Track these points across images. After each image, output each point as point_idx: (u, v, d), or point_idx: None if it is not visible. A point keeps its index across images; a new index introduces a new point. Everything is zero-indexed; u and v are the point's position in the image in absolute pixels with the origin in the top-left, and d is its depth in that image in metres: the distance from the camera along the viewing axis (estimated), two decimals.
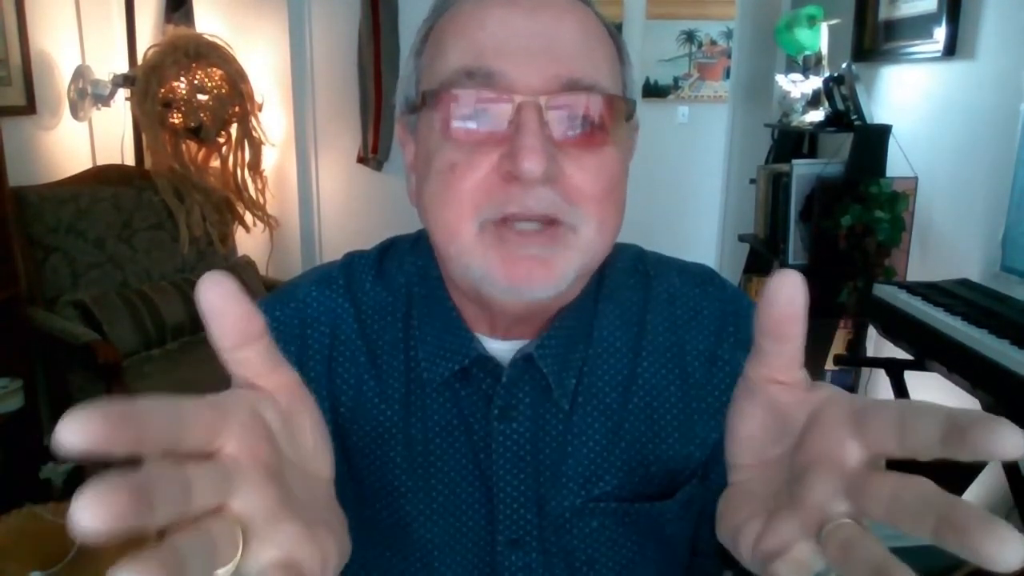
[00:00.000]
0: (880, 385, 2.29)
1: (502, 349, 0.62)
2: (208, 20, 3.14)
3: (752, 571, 0.35)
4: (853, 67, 2.32)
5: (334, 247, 3.48)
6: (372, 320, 0.64)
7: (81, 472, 2.24)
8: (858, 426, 0.30)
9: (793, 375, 0.34)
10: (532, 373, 0.61)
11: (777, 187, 2.54)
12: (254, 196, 3.19)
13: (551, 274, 0.53)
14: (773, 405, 0.35)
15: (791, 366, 0.34)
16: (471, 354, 0.60)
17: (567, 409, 0.62)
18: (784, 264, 2.51)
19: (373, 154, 3.32)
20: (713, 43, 3.58)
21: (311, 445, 0.35)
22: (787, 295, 0.33)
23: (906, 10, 2.23)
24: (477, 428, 0.62)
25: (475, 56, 0.52)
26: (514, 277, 0.52)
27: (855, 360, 2.36)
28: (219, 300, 0.30)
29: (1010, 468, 1.68)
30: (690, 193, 3.68)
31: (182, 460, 0.27)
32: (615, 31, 0.60)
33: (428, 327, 0.62)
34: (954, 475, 1.85)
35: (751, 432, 0.36)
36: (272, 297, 0.67)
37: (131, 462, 0.25)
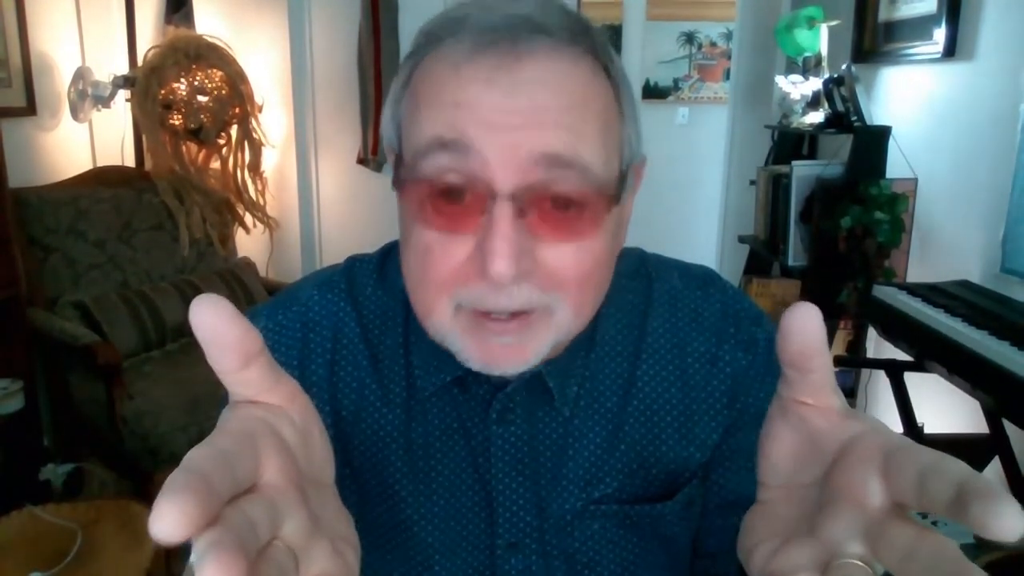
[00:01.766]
0: (880, 386, 2.29)
1: None
2: (208, 21, 3.14)
3: None
4: (853, 68, 2.32)
5: (334, 248, 3.48)
6: (374, 324, 0.64)
7: (80, 474, 2.24)
8: (886, 469, 0.29)
9: (824, 400, 0.34)
10: (533, 382, 0.61)
11: (777, 188, 2.54)
12: (254, 197, 3.19)
13: (523, 355, 0.53)
14: (805, 429, 0.34)
15: (821, 392, 0.34)
16: (464, 368, 0.60)
17: (567, 414, 0.62)
18: (784, 265, 2.51)
19: (373, 155, 3.32)
20: (713, 44, 3.58)
21: (320, 454, 0.35)
22: (801, 330, 0.32)
23: (906, 11, 2.23)
24: (475, 432, 0.62)
25: (448, 128, 0.49)
26: (487, 360, 0.53)
27: (855, 361, 2.36)
28: (216, 324, 0.29)
29: (1010, 469, 1.68)
30: (690, 194, 3.68)
31: (237, 500, 0.28)
32: (619, 78, 0.54)
33: (424, 336, 0.62)
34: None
35: (781, 454, 0.36)
36: (274, 301, 0.67)
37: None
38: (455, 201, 0.50)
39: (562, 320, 0.53)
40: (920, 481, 0.28)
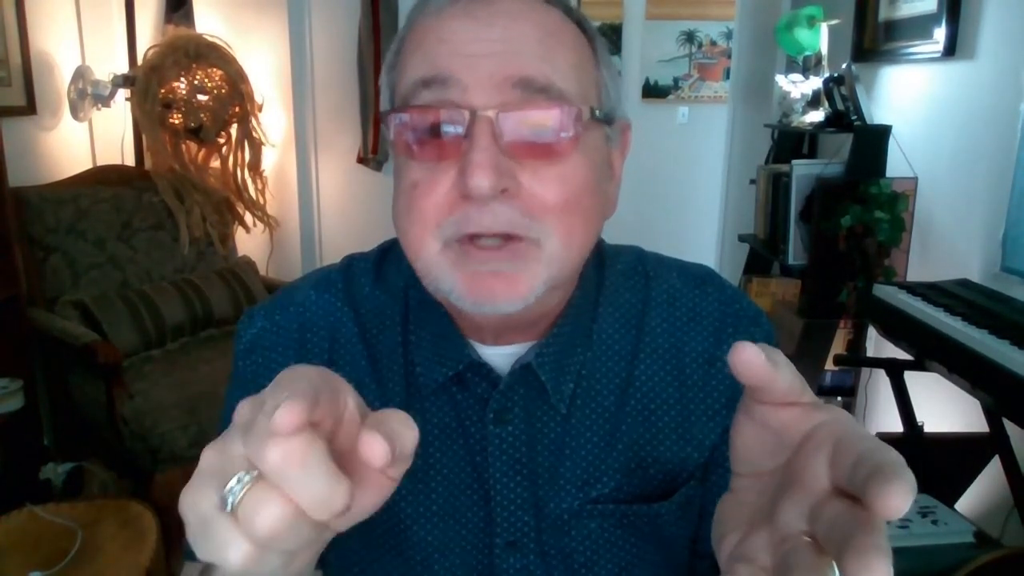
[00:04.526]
0: (880, 386, 2.29)
1: (498, 355, 0.62)
2: (208, 20, 3.14)
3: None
4: (853, 67, 2.32)
5: (334, 247, 3.48)
6: (371, 324, 0.65)
7: (80, 474, 2.25)
8: (833, 456, 0.31)
9: (794, 399, 0.35)
10: (529, 378, 0.61)
11: (777, 187, 2.54)
12: (254, 196, 3.19)
13: (516, 289, 0.53)
14: (770, 421, 0.35)
15: (789, 396, 0.35)
16: (465, 360, 0.60)
17: (564, 412, 0.62)
18: (784, 264, 2.51)
19: (373, 154, 3.32)
20: (713, 43, 3.58)
21: None
22: (745, 372, 0.34)
23: (906, 10, 2.23)
24: (474, 431, 0.62)
25: (430, 65, 0.53)
26: (478, 294, 0.53)
27: (855, 360, 2.36)
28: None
29: (1010, 468, 1.68)
30: (690, 193, 3.68)
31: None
32: (594, 32, 0.59)
33: (424, 332, 0.62)
34: (955, 473, 1.84)
35: (747, 444, 0.37)
36: (271, 302, 0.67)
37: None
38: (439, 135, 0.52)
39: (552, 252, 0.54)
40: (852, 466, 0.29)
